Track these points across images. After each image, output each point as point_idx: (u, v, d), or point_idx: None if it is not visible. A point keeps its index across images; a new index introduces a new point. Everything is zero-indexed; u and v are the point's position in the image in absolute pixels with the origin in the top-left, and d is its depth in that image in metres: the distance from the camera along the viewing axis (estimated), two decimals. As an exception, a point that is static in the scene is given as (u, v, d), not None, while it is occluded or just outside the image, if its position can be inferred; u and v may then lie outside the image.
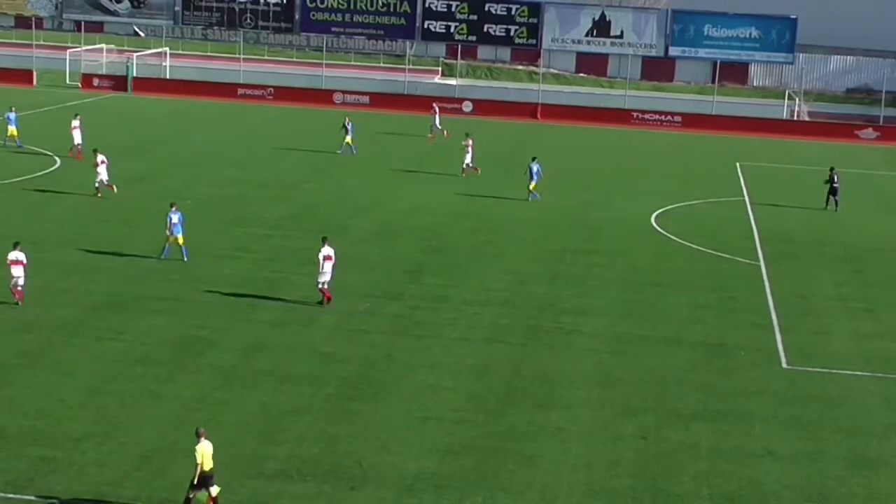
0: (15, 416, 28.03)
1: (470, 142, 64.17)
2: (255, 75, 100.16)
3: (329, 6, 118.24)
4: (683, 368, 34.57)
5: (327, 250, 38.51)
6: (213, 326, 35.77)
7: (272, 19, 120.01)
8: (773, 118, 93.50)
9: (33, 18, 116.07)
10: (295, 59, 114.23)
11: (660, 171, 69.96)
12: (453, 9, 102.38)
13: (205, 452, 23.94)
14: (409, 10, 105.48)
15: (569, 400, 31.47)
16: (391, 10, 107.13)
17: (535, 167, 58.28)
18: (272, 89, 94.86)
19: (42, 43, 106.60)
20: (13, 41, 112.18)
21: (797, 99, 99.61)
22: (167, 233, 42.90)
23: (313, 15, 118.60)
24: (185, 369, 32.16)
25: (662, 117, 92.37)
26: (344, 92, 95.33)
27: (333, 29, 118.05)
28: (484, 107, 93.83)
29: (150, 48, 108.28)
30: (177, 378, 31.51)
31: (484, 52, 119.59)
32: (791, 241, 52.14)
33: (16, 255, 37.01)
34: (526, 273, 44.41)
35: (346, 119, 70.10)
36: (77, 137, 62.87)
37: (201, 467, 23.80)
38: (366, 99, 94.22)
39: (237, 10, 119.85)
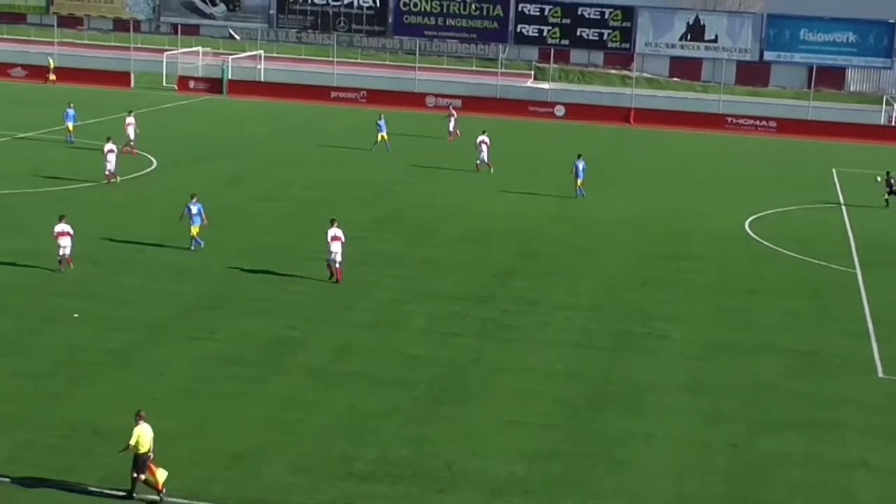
0: (109, 414, 28.36)
1: (486, 138, 65.07)
2: (348, 78, 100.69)
3: (422, 10, 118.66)
4: (776, 376, 34.15)
5: (335, 231, 40.73)
6: (304, 327, 35.99)
7: (365, 22, 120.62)
8: (870, 124, 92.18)
9: (131, 21, 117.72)
10: (388, 63, 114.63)
11: (754, 176, 69.25)
12: (546, 12, 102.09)
13: (141, 434, 24.30)
14: (501, 14, 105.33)
15: (658, 406, 31.24)
16: (484, 13, 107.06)
17: (580, 164, 58.64)
18: (365, 92, 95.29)
19: (139, 46, 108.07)
20: (112, 44, 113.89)
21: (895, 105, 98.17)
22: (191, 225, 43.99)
23: (406, 18, 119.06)
24: (276, 370, 32.38)
25: (757, 122, 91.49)
26: (436, 95, 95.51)
27: (426, 32, 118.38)
28: (576, 111, 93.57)
29: (244, 51, 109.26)
30: (268, 378, 31.74)
31: (576, 55, 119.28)
32: (889, 248, 51.33)
33: (62, 227, 40.30)
34: (617, 278, 44.17)
35: (381, 115, 70.69)
36: (131, 134, 64.23)
37: (136, 448, 24.17)
38: (458, 102, 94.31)
39: (331, 13, 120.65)
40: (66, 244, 40.43)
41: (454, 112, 79.06)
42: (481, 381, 32.41)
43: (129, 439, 24.28)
